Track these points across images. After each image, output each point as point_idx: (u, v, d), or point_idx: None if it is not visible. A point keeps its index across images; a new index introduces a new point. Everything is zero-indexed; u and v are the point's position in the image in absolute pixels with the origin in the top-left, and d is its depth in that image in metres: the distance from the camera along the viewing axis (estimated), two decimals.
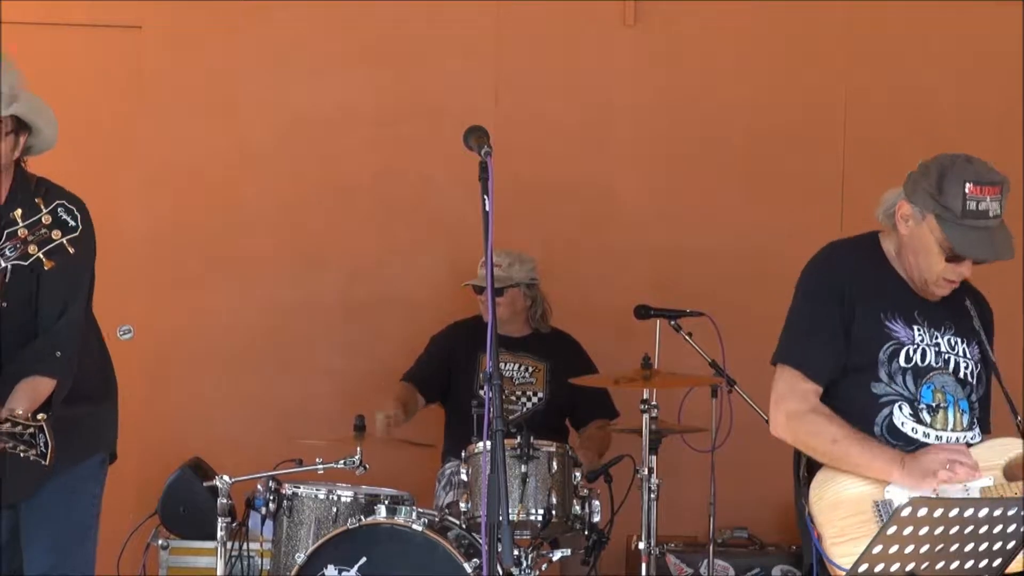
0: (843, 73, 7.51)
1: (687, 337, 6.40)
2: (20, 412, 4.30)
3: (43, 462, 4.27)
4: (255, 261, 7.41)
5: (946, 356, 4.32)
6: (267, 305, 7.38)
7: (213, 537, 5.80)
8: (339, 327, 7.43)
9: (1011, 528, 3.88)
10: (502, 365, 6.69)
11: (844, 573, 4.08)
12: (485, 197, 4.08)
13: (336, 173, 7.43)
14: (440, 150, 7.13)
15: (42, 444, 4.27)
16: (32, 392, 4.47)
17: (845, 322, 4.28)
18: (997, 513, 3.83)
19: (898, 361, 4.28)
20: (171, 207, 7.36)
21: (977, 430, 4.40)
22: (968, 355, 4.35)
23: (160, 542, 6.47)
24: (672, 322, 6.42)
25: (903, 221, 4.28)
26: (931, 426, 4.28)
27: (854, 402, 4.29)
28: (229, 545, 5.87)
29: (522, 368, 6.75)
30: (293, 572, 5.65)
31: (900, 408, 4.27)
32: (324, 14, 7.40)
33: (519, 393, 6.72)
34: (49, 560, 4.72)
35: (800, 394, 4.29)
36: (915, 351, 4.29)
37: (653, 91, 7.51)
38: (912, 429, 4.27)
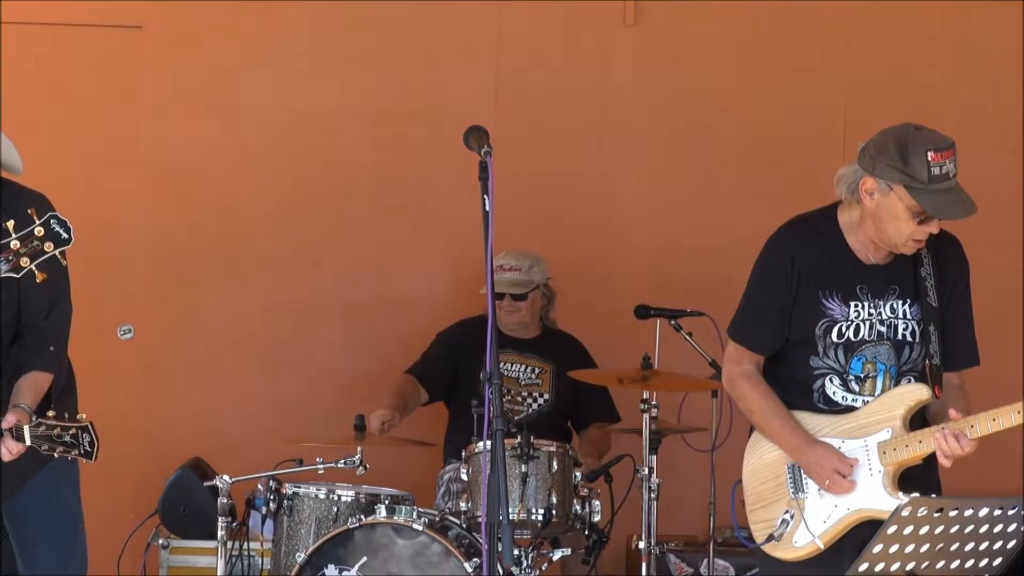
0: (843, 74, 7.51)
1: (687, 337, 6.40)
2: (52, 414, 4.41)
3: (89, 460, 4.42)
4: (255, 261, 7.40)
5: (888, 322, 4.59)
6: (267, 305, 7.37)
7: (213, 537, 5.81)
8: (339, 327, 7.42)
9: (1011, 528, 3.89)
10: (509, 366, 6.69)
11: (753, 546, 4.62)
12: (485, 197, 4.09)
13: (336, 173, 7.42)
14: (440, 150, 7.13)
15: (86, 443, 4.42)
16: (35, 387, 4.54)
17: (788, 302, 4.62)
18: (997, 513, 3.84)
19: (831, 337, 4.60)
20: (171, 207, 7.35)
21: None
22: (909, 316, 4.61)
23: (160, 542, 6.47)
24: (672, 322, 6.42)
25: (868, 195, 4.50)
26: (859, 393, 4.60)
27: (797, 371, 4.66)
28: (229, 545, 5.87)
29: (528, 369, 6.75)
30: (293, 572, 5.65)
31: (831, 380, 4.61)
32: (324, 14, 7.39)
33: (525, 394, 6.71)
34: (53, 551, 4.75)
35: (737, 359, 4.74)
36: (848, 327, 4.59)
37: (653, 91, 7.51)
38: (842, 397, 4.61)
